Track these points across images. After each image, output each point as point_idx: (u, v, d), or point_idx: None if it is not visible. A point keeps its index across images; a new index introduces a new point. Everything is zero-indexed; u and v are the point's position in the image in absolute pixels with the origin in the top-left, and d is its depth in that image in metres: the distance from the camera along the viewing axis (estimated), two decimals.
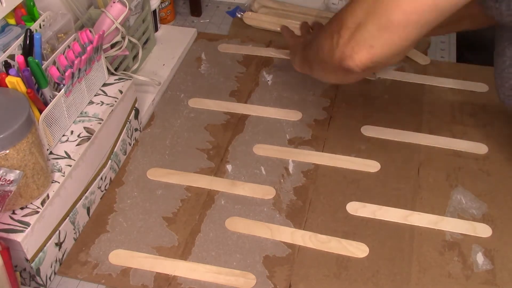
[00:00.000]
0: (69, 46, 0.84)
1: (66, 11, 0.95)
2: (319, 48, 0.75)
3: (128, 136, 0.96)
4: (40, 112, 0.77)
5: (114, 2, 0.95)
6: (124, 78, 0.94)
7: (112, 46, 0.98)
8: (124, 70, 1.04)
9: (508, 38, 0.74)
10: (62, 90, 0.80)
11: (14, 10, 0.84)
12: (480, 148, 0.97)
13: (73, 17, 0.94)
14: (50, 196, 0.75)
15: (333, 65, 0.71)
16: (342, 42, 0.68)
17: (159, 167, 0.94)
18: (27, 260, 0.72)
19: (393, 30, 0.63)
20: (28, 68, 0.75)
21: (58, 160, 0.80)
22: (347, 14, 0.68)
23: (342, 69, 0.70)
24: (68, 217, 0.80)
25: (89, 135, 0.84)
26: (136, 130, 0.99)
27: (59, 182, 0.77)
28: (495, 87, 0.81)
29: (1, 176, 0.67)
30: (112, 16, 0.94)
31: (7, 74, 0.74)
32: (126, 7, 0.95)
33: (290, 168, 0.94)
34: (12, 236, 0.70)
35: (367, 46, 0.66)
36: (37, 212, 0.73)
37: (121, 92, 0.91)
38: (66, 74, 0.79)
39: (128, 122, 0.95)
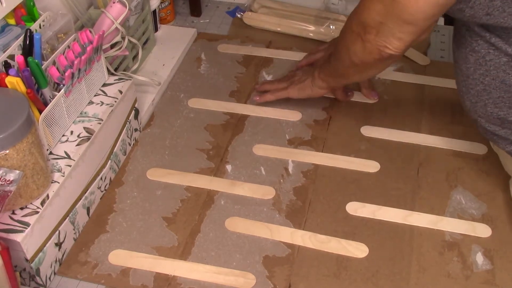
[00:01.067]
0: (69, 46, 0.84)
1: (66, 11, 0.95)
2: (350, 54, 0.83)
3: (128, 136, 0.96)
4: (40, 112, 0.77)
5: (114, 2, 0.95)
6: (124, 78, 0.94)
7: (112, 46, 0.98)
8: (124, 70, 1.04)
9: (469, 44, 0.75)
10: (62, 90, 0.80)
11: (14, 10, 0.84)
12: (479, 148, 0.97)
13: (73, 17, 0.94)
14: (50, 196, 0.75)
15: (373, 59, 0.80)
16: (372, 38, 0.77)
17: (159, 167, 0.94)
18: (27, 260, 0.72)
19: (412, 23, 0.72)
20: (28, 68, 0.75)
21: (58, 160, 0.80)
22: (365, 16, 0.77)
23: (383, 58, 0.79)
24: (68, 217, 0.80)
25: (89, 135, 0.84)
26: (136, 130, 0.99)
27: (59, 182, 0.77)
28: (460, 95, 0.82)
29: (1, 176, 0.67)
30: (112, 16, 0.94)
31: (7, 74, 0.74)
32: (126, 7, 0.95)
33: (290, 168, 0.94)
34: (12, 236, 0.70)
35: (396, 38, 0.75)
36: (37, 212, 0.73)
37: (121, 92, 0.91)
38: (66, 74, 0.79)
39: (128, 122, 0.95)
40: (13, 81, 0.73)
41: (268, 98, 1.04)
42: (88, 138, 0.83)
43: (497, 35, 0.71)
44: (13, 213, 0.72)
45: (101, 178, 0.88)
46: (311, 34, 1.22)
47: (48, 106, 0.78)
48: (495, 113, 0.76)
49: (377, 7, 0.74)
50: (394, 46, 0.76)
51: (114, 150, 0.91)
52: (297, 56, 1.17)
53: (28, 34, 0.79)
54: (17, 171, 0.68)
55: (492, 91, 0.75)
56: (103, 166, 0.88)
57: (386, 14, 0.73)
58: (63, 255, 0.81)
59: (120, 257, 0.81)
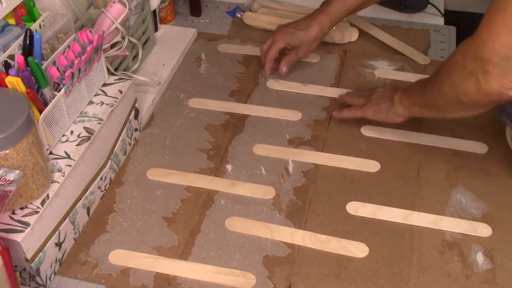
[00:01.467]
0: (69, 46, 0.84)
1: (66, 11, 0.95)
2: (458, 92, 0.74)
3: (128, 136, 0.96)
4: (40, 112, 0.77)
5: (114, 2, 0.95)
6: (124, 78, 0.94)
7: (112, 46, 0.98)
8: (124, 70, 1.04)
9: None
10: (62, 90, 0.80)
11: (14, 10, 0.84)
12: (480, 148, 0.97)
13: (73, 17, 0.94)
14: (50, 196, 0.75)
15: (489, 101, 0.72)
16: (493, 79, 0.68)
17: (159, 167, 0.94)
18: (27, 260, 0.72)
19: None
20: (28, 68, 0.75)
21: (58, 160, 0.80)
22: (486, 51, 0.67)
23: (502, 100, 0.70)
24: (68, 217, 0.80)
25: (89, 135, 0.84)
26: (136, 130, 0.99)
27: (59, 182, 0.77)
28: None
29: (1, 176, 0.67)
30: (112, 16, 0.94)
31: (7, 74, 0.74)
32: (126, 7, 0.95)
33: (290, 168, 0.94)
34: (12, 236, 0.70)
35: None
36: (37, 212, 0.73)
37: (121, 92, 0.91)
38: (66, 74, 0.79)
39: (128, 122, 0.95)
40: (13, 81, 0.73)
41: (345, 115, 0.99)
42: (88, 138, 0.83)
43: None
44: (13, 213, 0.72)
45: (101, 178, 0.88)
46: None
47: (48, 106, 0.78)
48: None
49: (505, 40, 0.63)
50: None
51: (114, 150, 0.91)
52: None
53: (28, 34, 0.79)
54: (17, 171, 0.68)
55: None
56: (103, 166, 0.88)
57: None
58: (63, 255, 0.81)
59: (120, 257, 0.81)
